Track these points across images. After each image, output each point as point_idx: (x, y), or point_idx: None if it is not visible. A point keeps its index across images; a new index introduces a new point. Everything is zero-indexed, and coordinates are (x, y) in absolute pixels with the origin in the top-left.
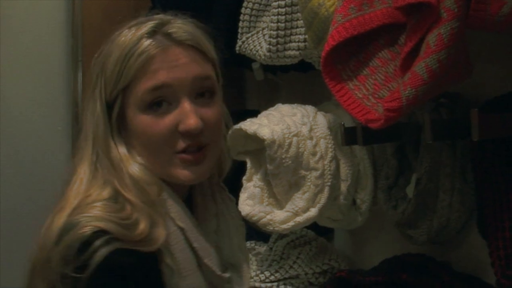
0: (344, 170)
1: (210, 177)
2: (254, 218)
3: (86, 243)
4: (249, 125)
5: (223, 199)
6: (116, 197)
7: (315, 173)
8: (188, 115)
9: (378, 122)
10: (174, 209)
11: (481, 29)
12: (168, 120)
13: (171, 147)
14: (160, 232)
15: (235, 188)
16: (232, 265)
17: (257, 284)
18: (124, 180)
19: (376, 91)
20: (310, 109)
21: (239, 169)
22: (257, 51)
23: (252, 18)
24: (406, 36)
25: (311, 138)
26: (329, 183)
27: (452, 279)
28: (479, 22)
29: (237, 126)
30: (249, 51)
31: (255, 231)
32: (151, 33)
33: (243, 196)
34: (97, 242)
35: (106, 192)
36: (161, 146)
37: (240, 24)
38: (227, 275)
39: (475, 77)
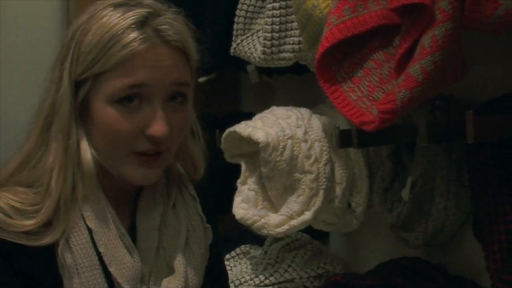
0: (339, 173)
1: (169, 175)
2: (249, 222)
3: None
4: (243, 127)
5: (183, 197)
6: (37, 183)
7: (309, 176)
8: (158, 121)
9: (372, 125)
10: (91, 208)
11: (476, 30)
12: (136, 120)
13: (131, 146)
14: (51, 233)
15: (229, 191)
16: (172, 269)
17: None
18: (65, 170)
19: (371, 93)
20: (304, 111)
21: (233, 172)
22: (251, 53)
23: (246, 20)
24: (401, 38)
25: (305, 141)
26: (324, 186)
27: (447, 283)
28: (473, 23)
29: (231, 129)
30: (243, 54)
31: (250, 234)
32: (140, 24)
33: (237, 199)
34: None
35: (31, 175)
36: (121, 143)
37: (235, 26)
38: None
39: (470, 79)
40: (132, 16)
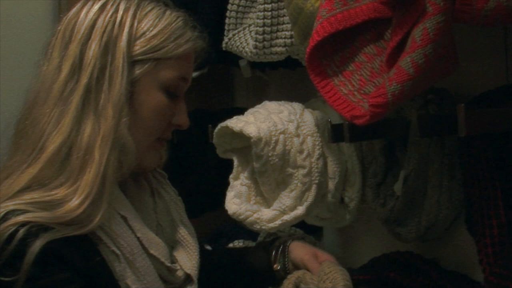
0: (332, 167)
1: None
2: (241, 217)
3: (9, 243)
4: (235, 122)
5: (155, 177)
6: (67, 161)
7: (302, 171)
8: (185, 112)
9: (363, 118)
10: (116, 197)
11: (467, 23)
12: (173, 109)
13: (161, 132)
14: (97, 213)
15: (222, 186)
16: (177, 242)
17: None
18: (111, 147)
19: (362, 87)
20: (297, 106)
21: (226, 168)
22: (243, 48)
23: (238, 15)
24: (392, 31)
25: (298, 136)
26: (316, 181)
27: (440, 277)
28: (465, 16)
29: (223, 124)
30: (235, 48)
31: (243, 230)
32: (191, 26)
33: (230, 194)
34: (23, 241)
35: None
36: (159, 129)
37: (227, 21)
38: (176, 267)
39: (462, 72)
40: (180, 16)
